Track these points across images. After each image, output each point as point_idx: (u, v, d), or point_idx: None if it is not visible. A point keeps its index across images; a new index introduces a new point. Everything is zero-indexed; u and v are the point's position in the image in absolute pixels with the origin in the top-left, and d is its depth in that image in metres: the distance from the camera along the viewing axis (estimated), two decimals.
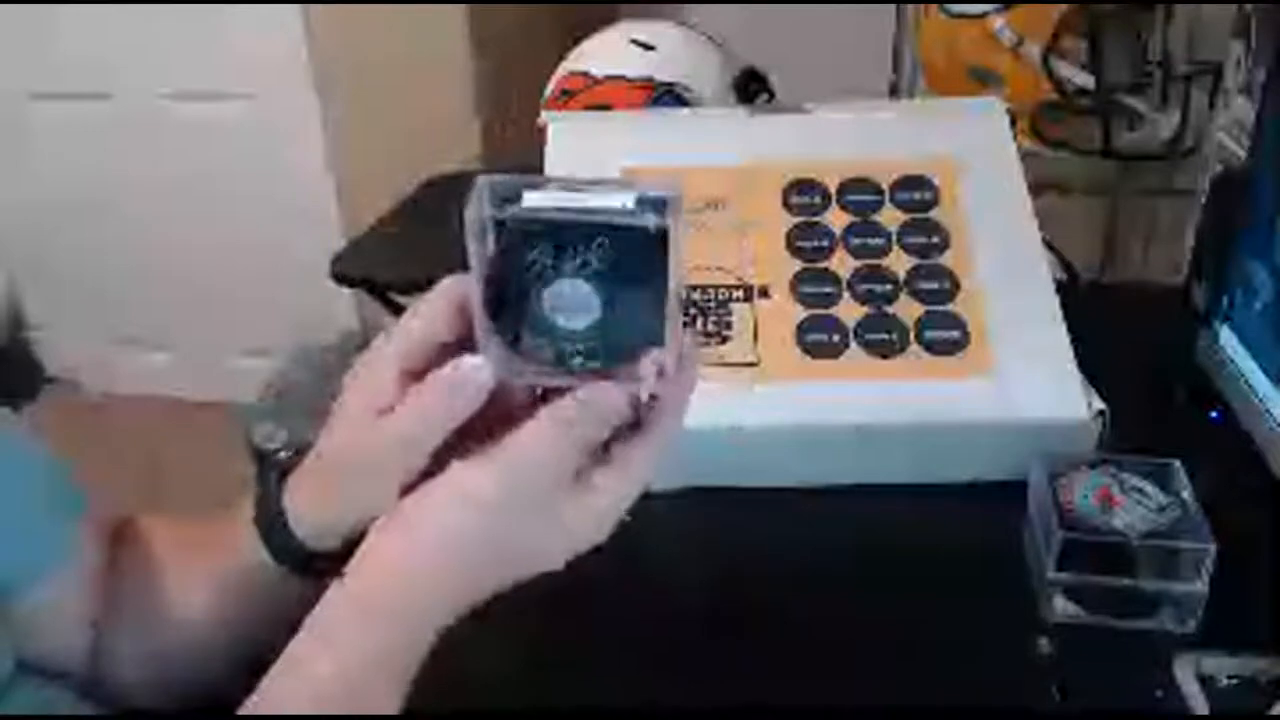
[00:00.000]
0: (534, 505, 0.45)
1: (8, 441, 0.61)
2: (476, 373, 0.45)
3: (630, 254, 0.43)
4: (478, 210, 0.43)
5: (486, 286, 0.44)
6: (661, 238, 0.43)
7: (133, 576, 0.62)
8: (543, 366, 0.45)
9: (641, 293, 0.44)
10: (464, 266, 0.44)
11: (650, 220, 0.43)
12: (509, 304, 0.44)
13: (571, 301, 0.44)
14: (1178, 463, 0.66)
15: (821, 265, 0.80)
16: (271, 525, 0.56)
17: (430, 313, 0.48)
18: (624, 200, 0.43)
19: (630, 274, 0.43)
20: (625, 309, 0.44)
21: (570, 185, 0.44)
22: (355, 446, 0.49)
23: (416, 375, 0.47)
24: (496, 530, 0.45)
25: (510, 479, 0.45)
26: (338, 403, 0.50)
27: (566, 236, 0.43)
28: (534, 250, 0.43)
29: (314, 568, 0.55)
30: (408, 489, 0.46)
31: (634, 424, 0.46)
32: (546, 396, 0.46)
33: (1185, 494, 0.64)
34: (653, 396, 0.46)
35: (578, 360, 0.44)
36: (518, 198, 0.44)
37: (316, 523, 0.55)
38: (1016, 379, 0.74)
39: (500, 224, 0.43)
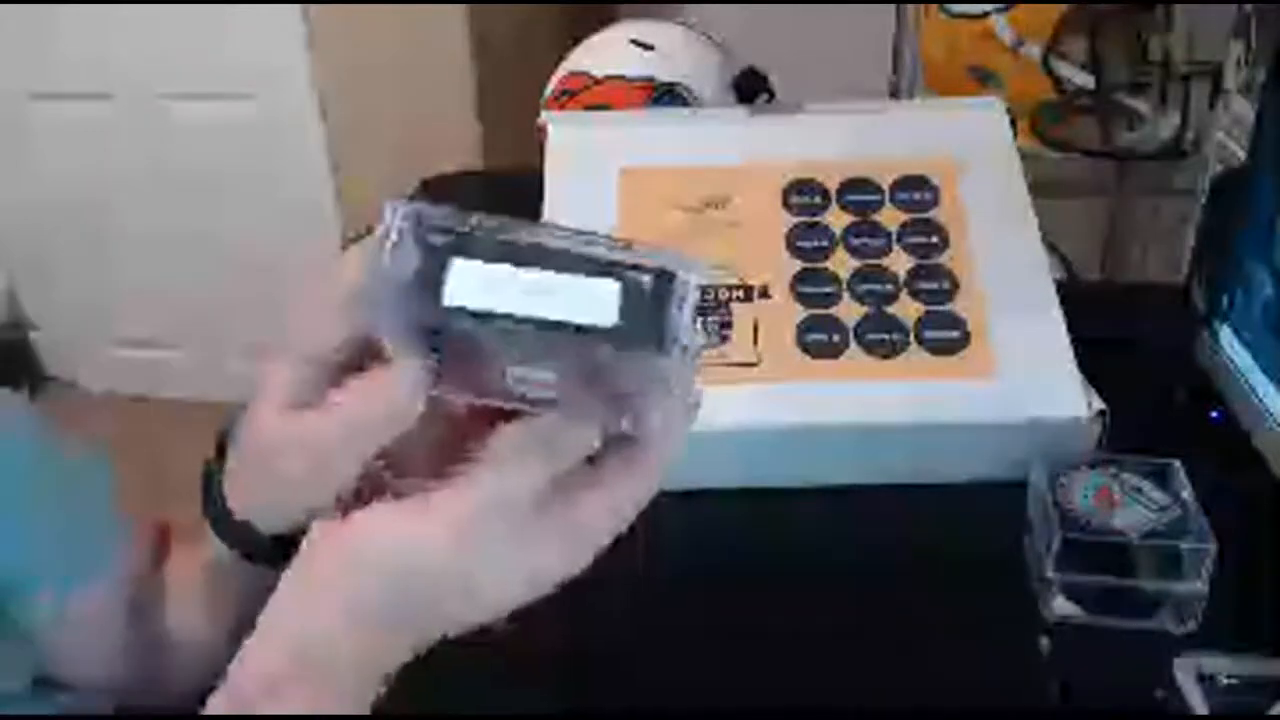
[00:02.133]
0: (491, 551, 0.39)
1: (49, 444, 0.61)
2: (404, 394, 0.37)
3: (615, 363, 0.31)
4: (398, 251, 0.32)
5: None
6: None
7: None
8: (492, 394, 0.36)
9: (639, 371, 0.33)
10: None
11: (645, 353, 0.30)
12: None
13: (530, 380, 0.34)
14: (1178, 463, 0.66)
15: (821, 265, 0.80)
16: (218, 517, 0.52)
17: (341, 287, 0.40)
18: (600, 300, 0.30)
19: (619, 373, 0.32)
20: (610, 387, 0.34)
21: (525, 247, 0.31)
22: (267, 451, 0.44)
23: (341, 364, 0.40)
24: (444, 581, 0.39)
25: (465, 517, 0.38)
26: (257, 391, 0.44)
27: (513, 341, 0.32)
28: (480, 338, 0.32)
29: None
30: (363, 491, 0.40)
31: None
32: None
33: (1185, 494, 0.64)
34: None
35: (539, 398, 0.35)
36: (444, 252, 0.31)
37: (256, 517, 0.50)
38: (1016, 379, 0.74)
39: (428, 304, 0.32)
